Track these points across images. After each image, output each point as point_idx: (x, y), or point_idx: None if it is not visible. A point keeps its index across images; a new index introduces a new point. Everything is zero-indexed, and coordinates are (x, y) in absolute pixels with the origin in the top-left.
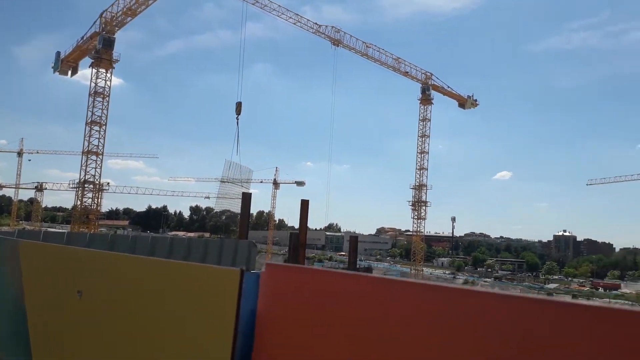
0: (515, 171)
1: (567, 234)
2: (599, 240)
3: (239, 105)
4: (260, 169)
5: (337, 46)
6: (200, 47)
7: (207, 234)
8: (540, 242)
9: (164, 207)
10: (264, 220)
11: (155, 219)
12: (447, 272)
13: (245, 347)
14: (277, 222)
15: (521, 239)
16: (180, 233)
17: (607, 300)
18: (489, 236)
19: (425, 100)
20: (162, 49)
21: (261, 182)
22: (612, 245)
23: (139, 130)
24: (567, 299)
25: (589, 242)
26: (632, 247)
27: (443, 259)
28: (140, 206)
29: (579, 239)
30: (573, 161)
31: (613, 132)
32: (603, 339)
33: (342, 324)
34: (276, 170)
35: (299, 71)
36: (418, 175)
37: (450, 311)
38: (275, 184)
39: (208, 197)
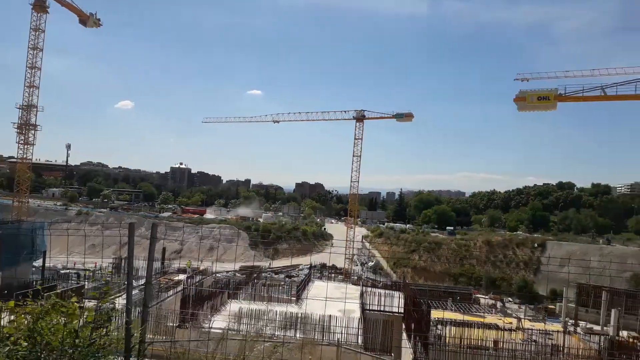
0: (137, 102)
1: (183, 166)
2: (210, 172)
3: None
4: None
5: None
6: None
7: None
8: (158, 173)
9: None
10: None
11: None
12: (58, 203)
13: None
14: None
15: (140, 170)
16: None
17: (213, 228)
18: (107, 166)
19: (39, 7)
20: None
21: None
22: (220, 177)
23: None
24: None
25: (202, 174)
26: (235, 179)
27: (55, 189)
28: None
29: (193, 171)
30: (192, 100)
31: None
32: None
33: None
34: None
35: None
36: (27, 94)
37: None
38: None
39: None
